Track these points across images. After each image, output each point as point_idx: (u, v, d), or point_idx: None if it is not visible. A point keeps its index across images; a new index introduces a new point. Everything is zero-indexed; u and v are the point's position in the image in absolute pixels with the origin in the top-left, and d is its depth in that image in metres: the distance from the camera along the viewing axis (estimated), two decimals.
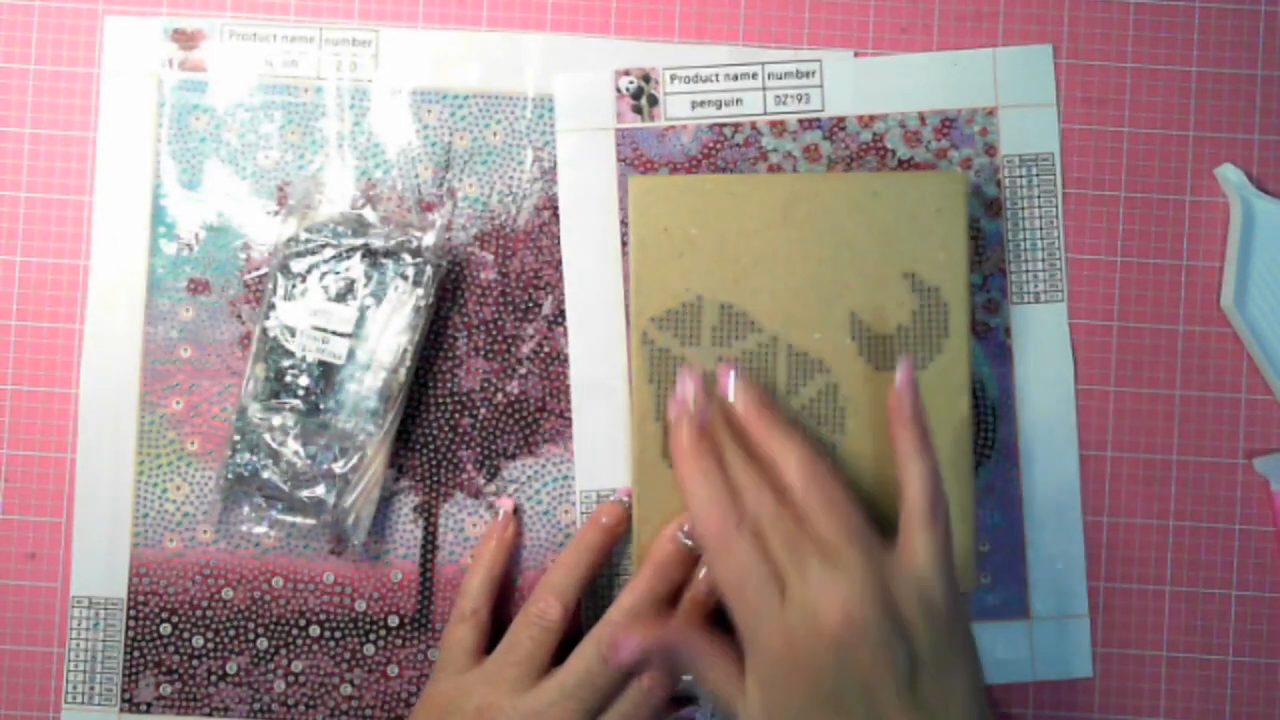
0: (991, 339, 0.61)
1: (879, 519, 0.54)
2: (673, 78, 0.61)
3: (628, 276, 0.60)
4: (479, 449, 0.60)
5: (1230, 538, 0.60)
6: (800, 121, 0.61)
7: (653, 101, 0.61)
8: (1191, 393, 0.60)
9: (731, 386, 0.55)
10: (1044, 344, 0.61)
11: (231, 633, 0.60)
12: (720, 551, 0.51)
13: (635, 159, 0.61)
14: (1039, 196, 0.61)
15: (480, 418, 0.60)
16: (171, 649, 0.60)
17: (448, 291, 0.60)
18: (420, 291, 0.58)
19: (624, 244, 0.60)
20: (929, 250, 0.57)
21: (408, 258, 0.58)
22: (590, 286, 0.60)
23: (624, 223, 0.60)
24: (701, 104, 0.61)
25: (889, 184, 0.58)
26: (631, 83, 0.61)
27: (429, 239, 0.58)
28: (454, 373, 0.60)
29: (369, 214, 0.59)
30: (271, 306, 0.58)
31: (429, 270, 0.58)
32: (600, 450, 0.60)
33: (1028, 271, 0.61)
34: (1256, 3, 0.61)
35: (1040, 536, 0.60)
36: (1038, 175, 0.61)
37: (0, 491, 0.60)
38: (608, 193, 0.60)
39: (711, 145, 0.61)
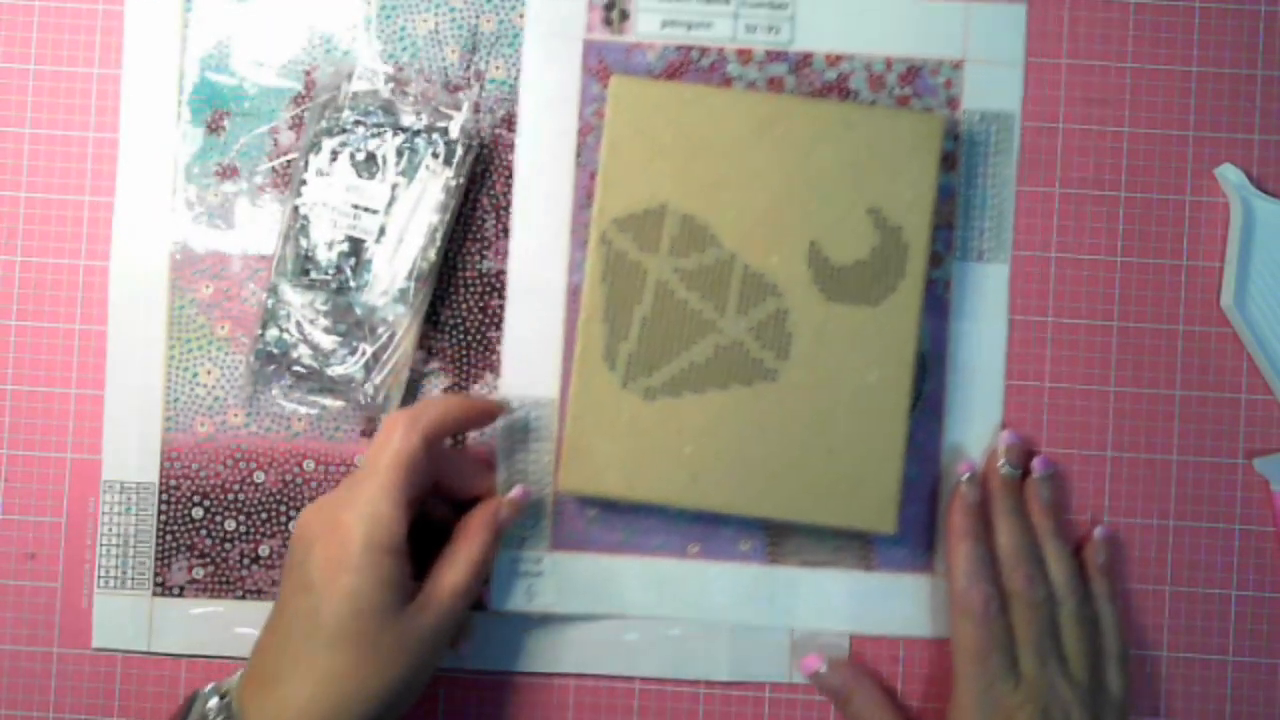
0: (931, 291, 0.60)
1: (814, 449, 0.56)
2: None
3: (579, 185, 0.60)
4: None
5: (1230, 538, 0.60)
6: (768, 53, 0.61)
7: (624, 16, 0.61)
8: (1191, 393, 0.60)
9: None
10: (983, 303, 0.60)
11: (264, 516, 0.60)
12: (974, 621, 0.56)
13: (599, 71, 0.60)
14: (995, 155, 0.60)
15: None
16: (204, 532, 0.60)
17: (476, 174, 0.60)
18: (450, 171, 0.58)
19: (578, 154, 0.60)
20: (896, 188, 0.57)
21: (438, 137, 0.58)
22: (541, 189, 0.60)
23: (581, 131, 0.60)
24: (671, 24, 0.60)
25: (866, 116, 0.57)
26: None
27: (459, 119, 0.58)
28: (483, 254, 0.60)
29: (397, 96, 0.59)
30: (303, 183, 0.58)
31: (460, 150, 0.58)
32: (531, 356, 0.60)
33: (975, 228, 0.60)
34: (1256, 3, 0.61)
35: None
36: (996, 133, 0.61)
37: (0, 491, 0.60)
38: (570, 98, 0.60)
39: (677, 65, 0.60)
